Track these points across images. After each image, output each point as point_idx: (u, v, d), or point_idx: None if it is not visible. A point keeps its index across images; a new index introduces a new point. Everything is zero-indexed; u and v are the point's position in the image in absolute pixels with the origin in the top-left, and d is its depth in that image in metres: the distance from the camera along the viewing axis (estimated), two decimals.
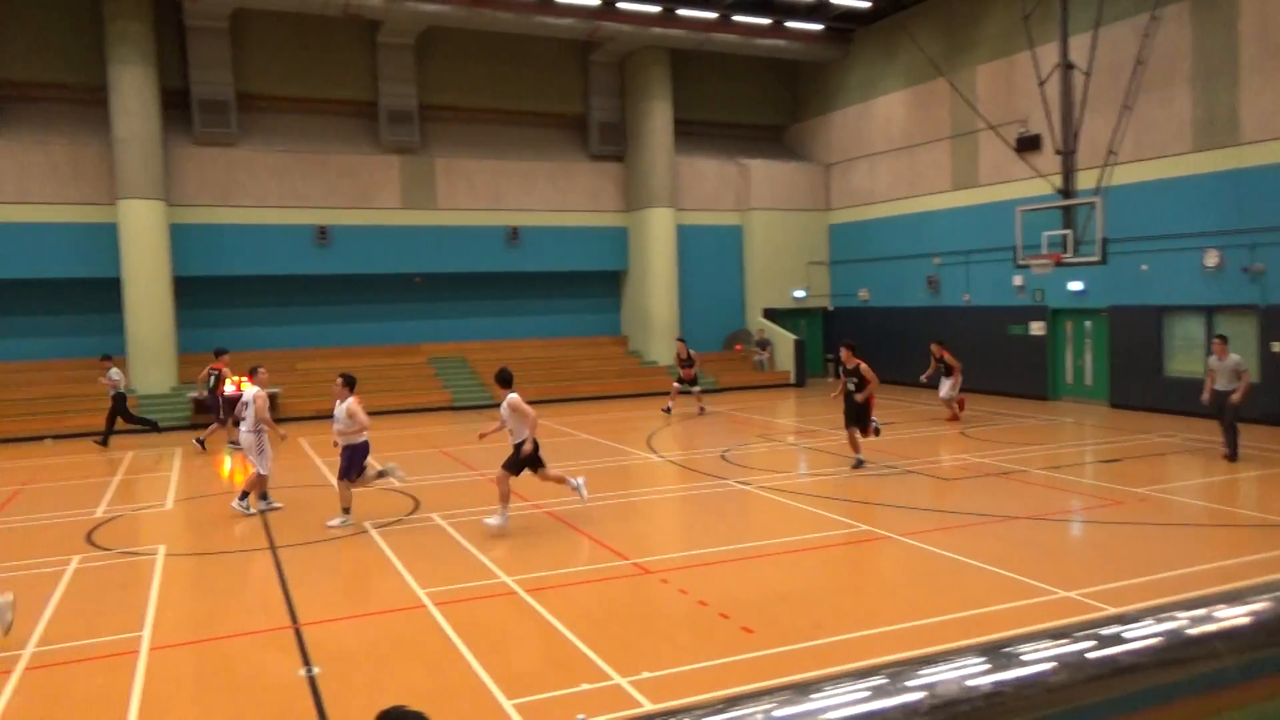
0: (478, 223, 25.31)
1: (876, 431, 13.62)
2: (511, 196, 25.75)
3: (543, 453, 10.26)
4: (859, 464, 13.16)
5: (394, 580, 8.38)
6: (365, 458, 10.81)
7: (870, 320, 26.21)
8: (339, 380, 10.90)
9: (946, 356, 18.37)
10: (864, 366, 13.07)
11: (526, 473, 10.28)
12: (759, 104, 29.57)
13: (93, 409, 20.03)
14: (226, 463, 16.16)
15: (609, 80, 26.97)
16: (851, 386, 13.10)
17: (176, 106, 22.47)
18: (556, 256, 26.27)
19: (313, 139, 24.09)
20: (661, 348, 26.23)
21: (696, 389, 20.59)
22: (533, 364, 24.96)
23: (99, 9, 21.26)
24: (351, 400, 10.71)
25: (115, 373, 17.66)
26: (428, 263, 24.85)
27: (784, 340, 26.94)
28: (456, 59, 25.64)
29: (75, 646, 6.93)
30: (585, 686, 5.85)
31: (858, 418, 13.22)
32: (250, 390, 11.84)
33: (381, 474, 11.24)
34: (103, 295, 21.78)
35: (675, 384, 20.61)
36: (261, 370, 12.54)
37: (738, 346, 27.82)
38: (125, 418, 17.89)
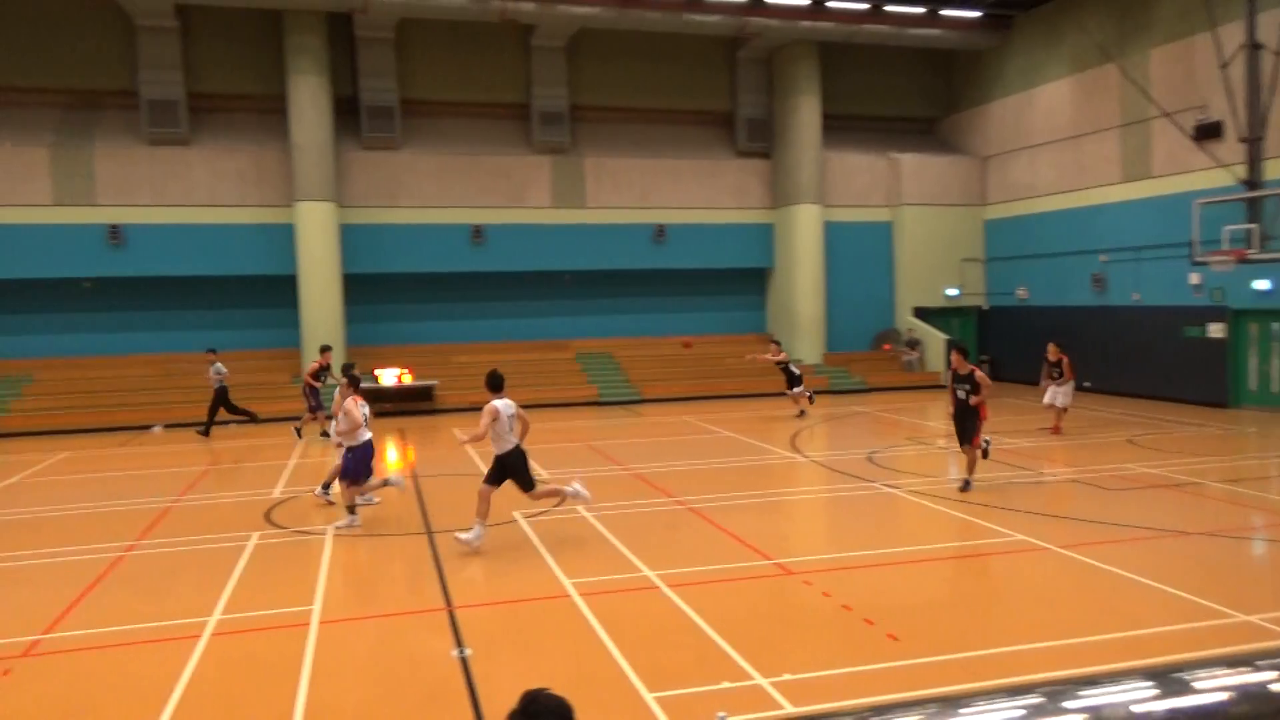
0: (625, 221, 25.69)
1: (985, 453, 11.99)
2: (658, 194, 26.00)
3: (532, 470, 9.67)
4: (966, 486, 11.71)
5: (541, 569, 8.65)
6: (369, 459, 10.74)
7: (1029, 320, 25.01)
8: (343, 379, 10.89)
9: (1064, 361, 16.51)
10: (979, 373, 11.74)
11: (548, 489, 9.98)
12: (910, 96, 28.70)
13: (271, 396, 21.61)
14: (390, 451, 17.03)
15: (756, 76, 26.81)
16: (962, 395, 11.76)
17: (346, 113, 23.86)
18: (702, 254, 26.35)
19: (468, 141, 25.06)
20: (807, 346, 25.90)
21: (798, 390, 20.11)
22: (677, 361, 25.15)
23: (279, 26, 22.81)
24: (349, 399, 10.63)
25: (220, 366, 18.79)
26: (577, 260, 25.43)
27: (935, 340, 26.08)
28: (606, 59, 26.09)
29: (254, 616, 7.50)
30: (726, 685, 5.88)
31: (969, 431, 11.78)
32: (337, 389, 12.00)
33: (385, 483, 11.28)
34: (281, 291, 23.39)
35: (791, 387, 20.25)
36: (355, 368, 12.78)
37: (886, 346, 27.13)
38: (227, 409, 19.02)
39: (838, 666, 6.18)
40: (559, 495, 9.93)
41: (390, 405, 21.74)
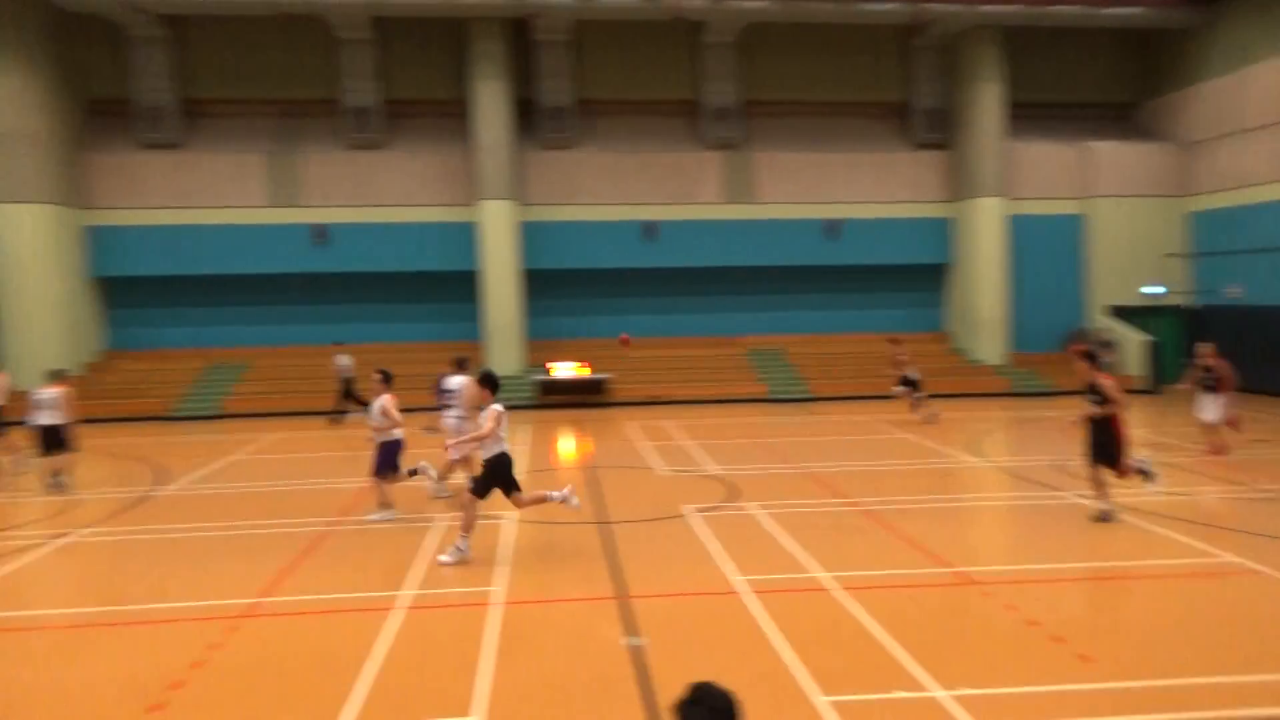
0: (797, 216, 25.41)
1: (1146, 475, 10.19)
2: (831, 189, 25.55)
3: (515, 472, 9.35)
4: (1104, 516, 10.11)
5: (710, 564, 8.72)
6: (398, 455, 10.95)
7: (1245, 321, 22.91)
8: (377, 375, 11.07)
9: (1216, 365, 14.23)
10: (1106, 381, 10.23)
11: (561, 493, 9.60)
12: (1102, 80, 26.87)
13: None
14: (565, 441, 17.60)
15: (933, 65, 25.85)
16: (1093, 406, 10.24)
17: (525, 114, 24.78)
18: (876, 249, 25.70)
19: (640, 139, 25.47)
20: (989, 346, 24.79)
21: (919, 394, 19.09)
22: (850, 359, 24.67)
23: (465, 33, 23.95)
24: (386, 397, 10.86)
25: (344, 359, 20.19)
26: (747, 256, 25.39)
27: (1132, 341, 24.34)
28: (776, 54, 25.87)
29: (442, 593, 7.96)
30: (901, 694, 5.75)
31: (1103, 449, 10.11)
32: (458, 379, 12.33)
33: (413, 472, 11.33)
34: (464, 286, 24.60)
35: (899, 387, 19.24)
36: (469, 362, 13.03)
37: (1076, 347, 25.51)
38: (351, 399, 20.24)
39: (1023, 684, 5.91)
40: (544, 500, 9.60)
41: (565, 398, 22.46)
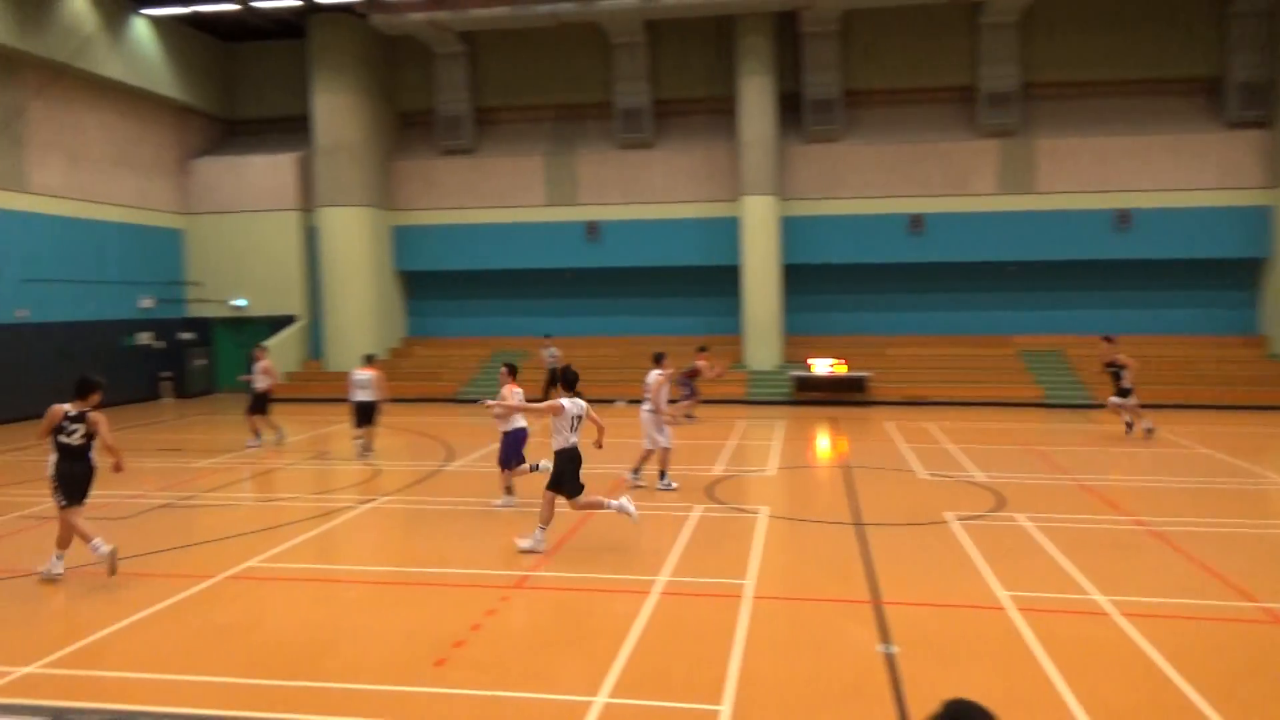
0: (1081, 206, 23.46)
1: None
2: (1122, 176, 23.34)
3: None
4: None
5: (973, 576, 8.32)
6: (522, 445, 11.09)
7: None
8: (503, 368, 11.45)
9: None
10: None
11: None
12: None
13: (710, 381, 23.14)
14: (821, 440, 17.43)
15: (1255, 32, 22.76)
16: None
17: (789, 109, 24.66)
18: (1174, 242, 23.17)
19: (909, 129, 24.55)
20: None
21: (1130, 401, 16.60)
22: (1142, 363, 22.40)
23: (732, 30, 24.23)
24: (507, 386, 11.14)
25: (554, 351, 21.21)
26: (1023, 249, 23.80)
27: None
28: (1061, 32, 23.98)
29: (694, 582, 8.20)
30: None
31: None
32: (654, 374, 12.49)
33: (534, 468, 11.41)
34: (724, 281, 24.97)
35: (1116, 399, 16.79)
36: (666, 358, 13.02)
37: None
38: (554, 388, 20.68)
39: None
40: (600, 507, 9.48)
41: (822, 394, 22.20)
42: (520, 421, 11.32)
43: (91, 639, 6.94)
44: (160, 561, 9.18)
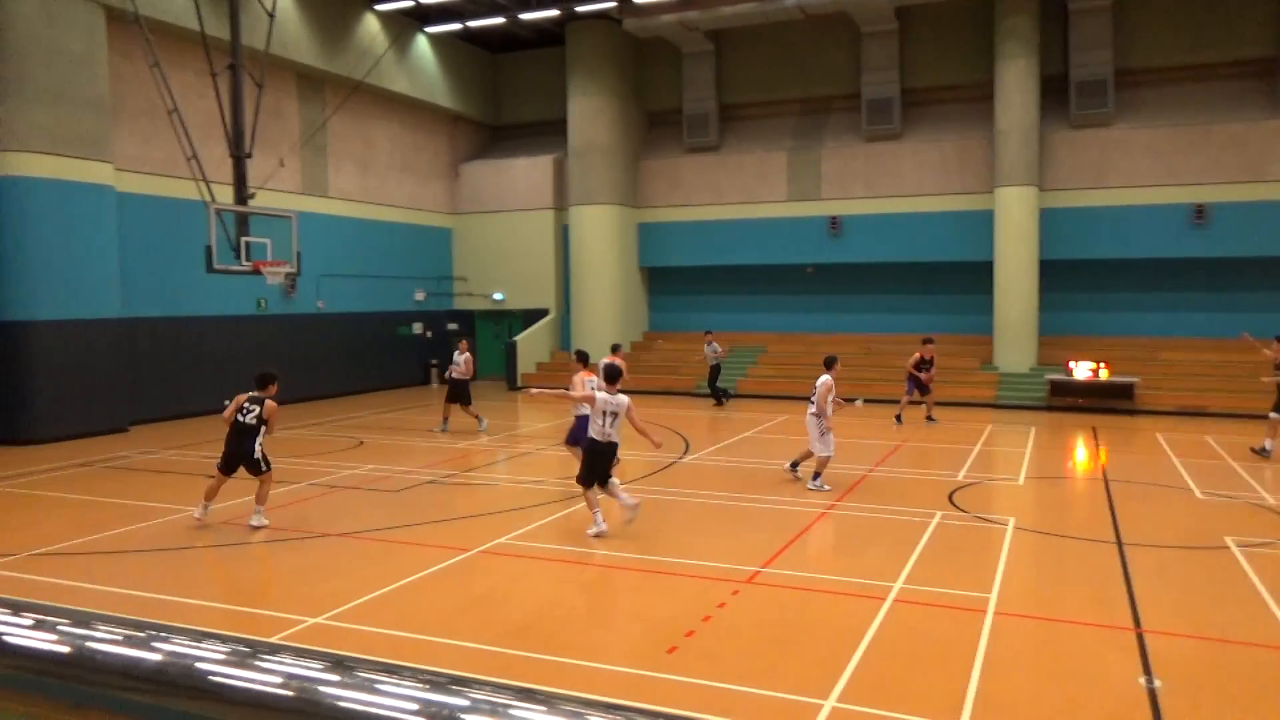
0: None
1: None
2: None
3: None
4: None
5: (1257, 610, 7.44)
6: (585, 430, 10.60)
7: None
8: (574, 355, 12.38)
9: None
10: None
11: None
12: None
13: (959, 381, 22.15)
14: (1079, 450, 16.21)
15: None
16: None
17: (1052, 93, 22.98)
18: None
19: (1194, 110, 22.11)
20: None
21: None
22: None
23: (990, 12, 22.91)
24: (579, 375, 11.91)
25: (715, 346, 21.56)
26: None
27: None
28: None
29: (931, 592, 7.91)
30: None
31: None
32: (823, 379, 12.24)
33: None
34: (975, 277, 23.73)
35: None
36: (837, 363, 12.68)
37: None
38: (711, 384, 21.86)
39: None
40: (591, 506, 9.80)
41: (1083, 401, 20.55)
42: (587, 408, 11.10)
43: (367, 598, 7.80)
44: (425, 532, 10.11)
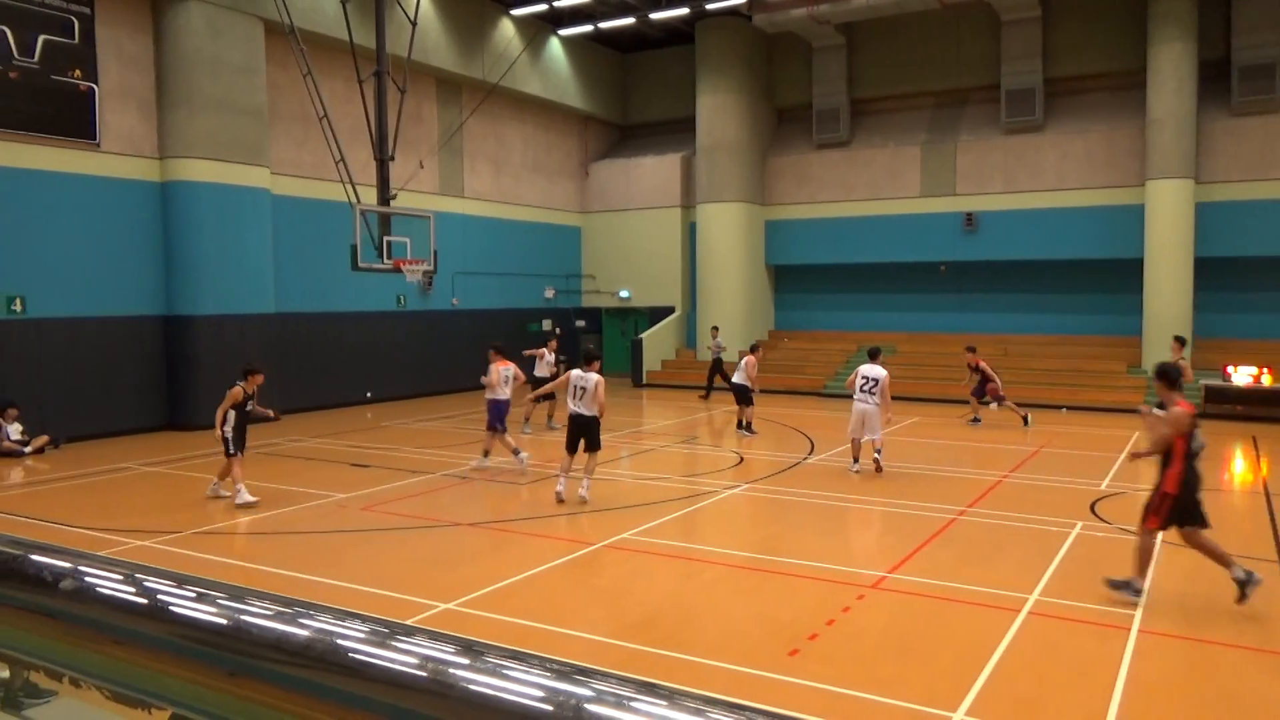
0: None
1: None
2: None
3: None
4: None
5: None
6: (504, 414, 13.30)
7: None
8: (491, 349, 13.79)
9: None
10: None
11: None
12: None
13: (1104, 385, 21.04)
14: (1237, 460, 15.14)
15: None
16: None
17: (1212, 79, 21.49)
18: None
19: None
20: None
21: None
22: None
23: None
24: (495, 364, 13.51)
25: (720, 341, 21.97)
26: None
27: None
28: None
29: (1070, 606, 7.54)
30: None
31: None
32: (884, 373, 13.20)
33: (516, 452, 13.15)
34: (1123, 275, 22.46)
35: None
36: (880, 353, 13.90)
37: None
38: (721, 376, 21.67)
39: None
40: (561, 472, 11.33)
41: (1242, 408, 19.14)
42: (503, 394, 13.38)
43: (496, 586, 8.04)
44: (550, 525, 10.34)
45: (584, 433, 11.08)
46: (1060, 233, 22.98)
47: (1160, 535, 7.33)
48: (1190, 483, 7.23)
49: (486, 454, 13.58)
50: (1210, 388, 19.56)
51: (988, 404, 18.47)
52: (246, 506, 10.96)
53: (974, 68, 24.63)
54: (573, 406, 11.13)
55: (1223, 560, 7.27)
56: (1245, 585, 7.06)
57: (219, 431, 11.20)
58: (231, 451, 11.13)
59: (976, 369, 18.44)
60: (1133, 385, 20.88)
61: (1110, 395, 20.58)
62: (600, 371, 11.22)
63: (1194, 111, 20.94)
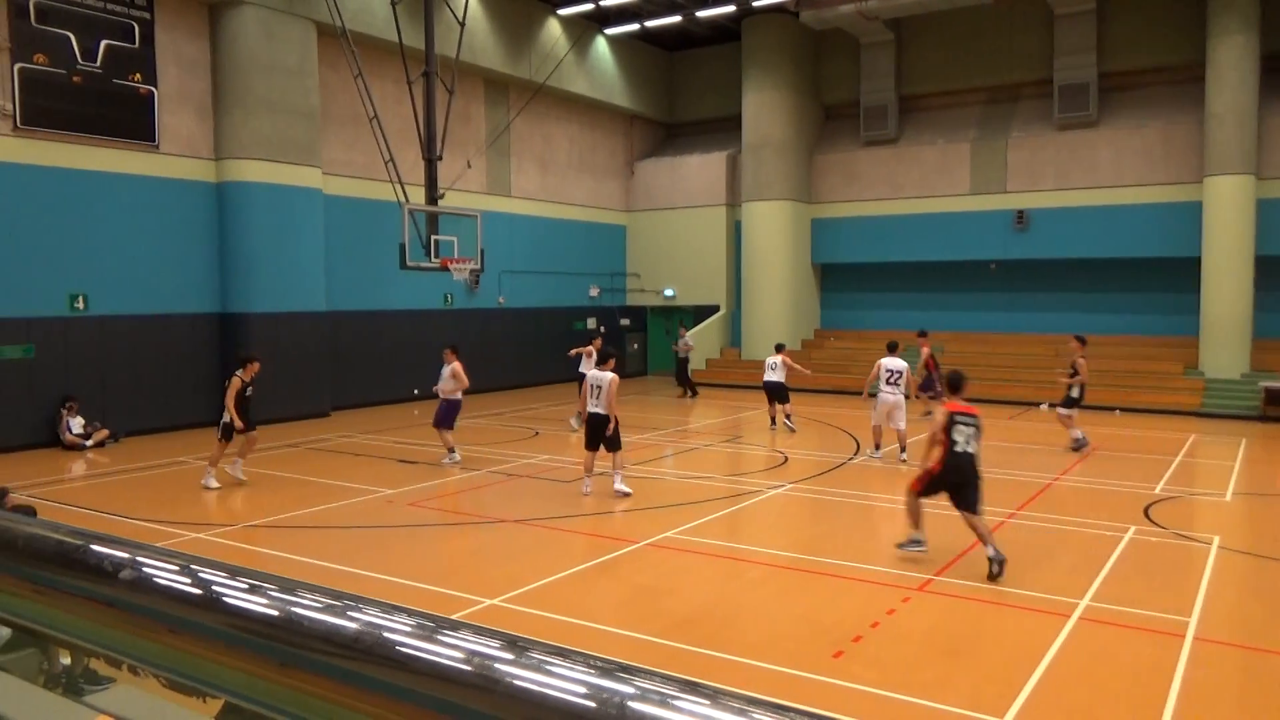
0: None
1: None
2: None
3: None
4: None
5: None
6: (455, 413, 13.72)
7: None
8: (447, 349, 13.86)
9: None
10: None
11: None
12: None
13: (1158, 386, 20.56)
14: None
15: None
16: None
17: (1274, 72, 20.86)
18: None
19: None
20: None
21: None
22: None
23: None
24: (456, 364, 13.64)
25: (687, 340, 22.48)
26: None
27: None
28: None
29: (1122, 612, 7.39)
30: None
31: None
32: (905, 365, 14.01)
33: (451, 450, 13.63)
34: (1179, 274, 21.91)
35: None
36: (898, 346, 14.67)
37: None
38: (682, 375, 23.04)
39: None
40: (587, 471, 11.73)
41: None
42: (457, 395, 13.77)
43: (540, 583, 8.09)
44: (594, 523, 10.38)
45: (601, 431, 11.32)
46: (1114, 231, 22.47)
47: (922, 498, 8.75)
48: (952, 466, 8.46)
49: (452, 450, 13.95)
50: (1270, 390, 19.01)
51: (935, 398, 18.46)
52: (210, 490, 11.90)
53: (1026, 62, 24.19)
54: (591, 406, 11.42)
55: (982, 538, 8.37)
56: (995, 563, 8.03)
57: (228, 417, 12.00)
58: (221, 437, 12.01)
59: (928, 363, 18.70)
60: (1189, 387, 20.37)
61: (1166, 397, 20.10)
62: (617, 371, 11.47)
63: (1255, 106, 20.35)
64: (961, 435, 8.51)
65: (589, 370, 18.57)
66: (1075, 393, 14.78)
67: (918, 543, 8.88)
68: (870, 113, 25.93)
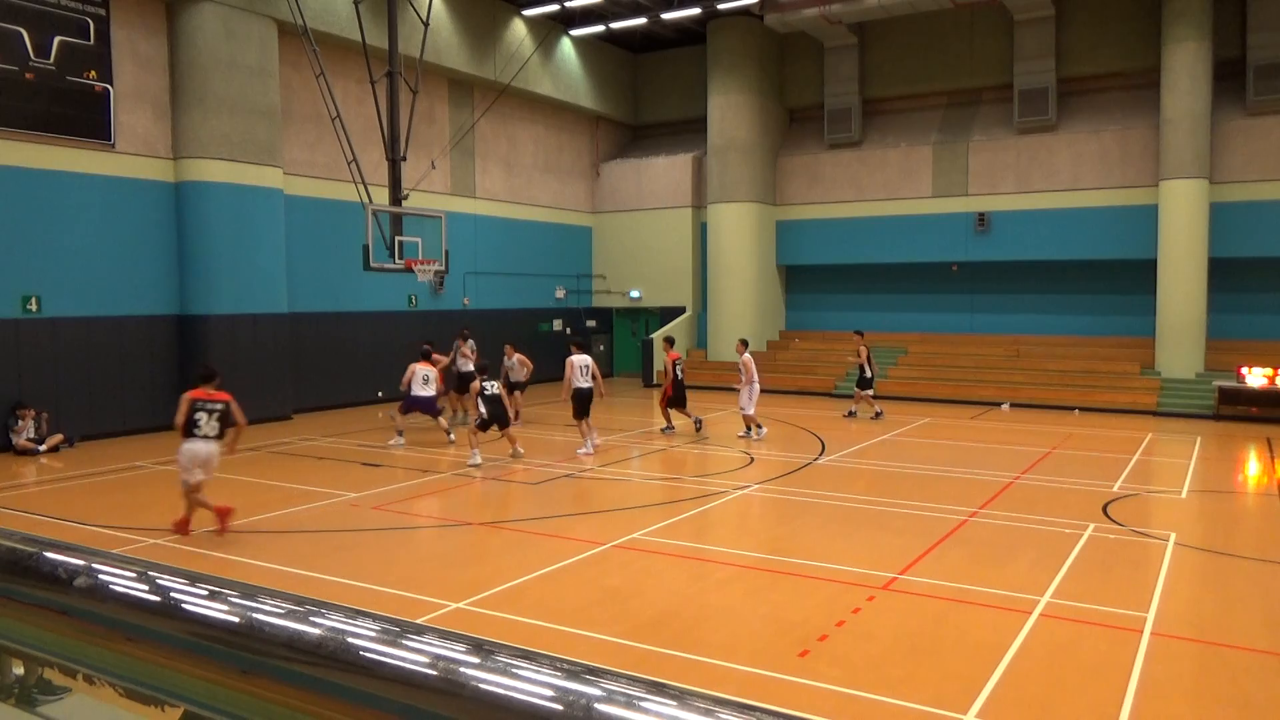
0: None
1: None
2: None
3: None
4: None
5: None
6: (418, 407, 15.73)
7: None
8: (424, 347, 16.45)
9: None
10: None
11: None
12: None
13: (1115, 386, 20.94)
14: (1250, 463, 15.05)
15: None
16: None
17: (1226, 78, 21.36)
18: None
19: None
20: None
21: None
22: None
23: None
24: (423, 365, 15.81)
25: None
26: None
27: None
28: None
29: (1082, 608, 7.51)
30: None
31: None
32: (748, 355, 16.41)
33: (400, 433, 15.77)
34: (1136, 276, 22.35)
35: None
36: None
37: None
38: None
39: None
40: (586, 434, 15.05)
41: (1257, 410, 19.02)
42: (425, 392, 15.63)
43: (506, 586, 8.06)
44: (561, 525, 10.35)
45: (588, 402, 15.08)
46: (1073, 233, 22.87)
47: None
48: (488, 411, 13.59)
49: (450, 432, 16.26)
50: (1224, 389, 19.46)
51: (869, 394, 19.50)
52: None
53: (987, 67, 24.54)
54: (578, 382, 15.09)
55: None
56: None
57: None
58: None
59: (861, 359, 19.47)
60: (1146, 386, 20.78)
61: (1123, 397, 20.49)
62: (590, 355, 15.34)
63: (1209, 111, 20.82)
64: (488, 390, 13.26)
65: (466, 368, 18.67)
66: (868, 373, 19.11)
67: (476, 464, 13.45)
68: (834, 116, 26.15)
